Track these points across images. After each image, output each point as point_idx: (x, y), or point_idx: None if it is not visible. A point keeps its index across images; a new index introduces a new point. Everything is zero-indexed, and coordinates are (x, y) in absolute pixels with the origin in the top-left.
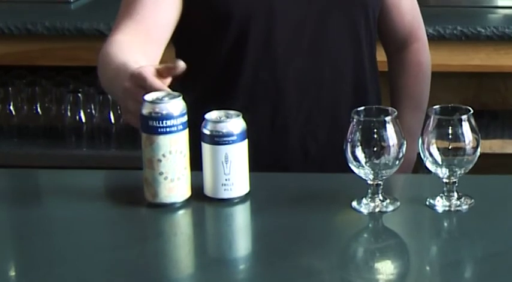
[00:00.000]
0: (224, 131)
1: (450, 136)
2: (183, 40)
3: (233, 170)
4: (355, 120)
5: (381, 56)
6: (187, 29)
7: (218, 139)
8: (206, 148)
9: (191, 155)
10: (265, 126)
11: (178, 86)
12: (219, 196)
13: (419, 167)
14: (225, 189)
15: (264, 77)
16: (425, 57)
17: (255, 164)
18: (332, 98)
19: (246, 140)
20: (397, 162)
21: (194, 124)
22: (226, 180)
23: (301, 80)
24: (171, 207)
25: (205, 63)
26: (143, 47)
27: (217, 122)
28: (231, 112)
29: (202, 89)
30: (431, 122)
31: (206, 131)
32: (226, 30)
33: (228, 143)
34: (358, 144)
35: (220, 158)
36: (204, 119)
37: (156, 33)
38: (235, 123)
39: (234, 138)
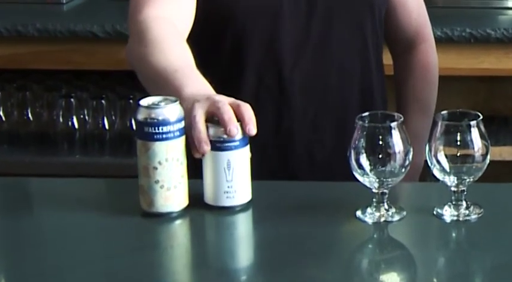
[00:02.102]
0: (226, 136)
1: (458, 143)
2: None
3: (235, 176)
4: (359, 126)
5: (386, 59)
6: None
7: (220, 145)
8: (207, 154)
9: (189, 163)
10: (270, 132)
11: None
12: (221, 204)
13: (426, 175)
14: (227, 197)
15: (268, 80)
16: (433, 58)
17: (260, 171)
18: (338, 101)
19: (248, 146)
20: (403, 170)
21: None
22: (228, 187)
23: (307, 82)
24: (167, 217)
25: (207, 66)
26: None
27: (218, 127)
28: None
29: None
30: (439, 128)
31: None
32: (228, 30)
33: (230, 149)
34: (363, 151)
35: (222, 165)
36: None
37: (181, 26)
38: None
39: (236, 143)
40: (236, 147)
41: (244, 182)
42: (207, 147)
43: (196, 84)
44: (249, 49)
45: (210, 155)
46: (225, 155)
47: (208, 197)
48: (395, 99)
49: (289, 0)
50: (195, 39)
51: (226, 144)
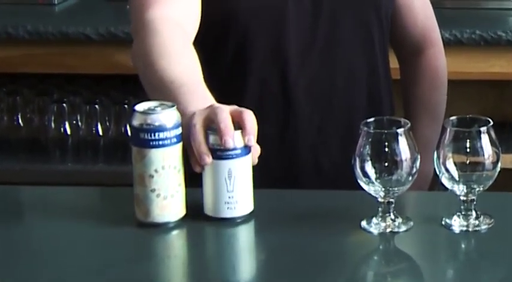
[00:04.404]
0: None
1: (468, 150)
2: None
3: (237, 186)
4: (364, 132)
5: (393, 62)
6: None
7: (221, 153)
8: None
9: (187, 170)
10: (275, 139)
11: None
12: (221, 215)
13: (435, 184)
14: (228, 208)
15: (272, 84)
16: (442, 62)
17: (264, 180)
18: (345, 106)
19: (251, 154)
20: (410, 178)
21: None
22: (229, 197)
23: (312, 85)
24: (164, 227)
25: (210, 70)
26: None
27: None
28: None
29: None
30: (448, 134)
31: (208, 146)
32: (230, 32)
33: (232, 158)
34: (368, 158)
35: (223, 174)
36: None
37: (188, 28)
38: (238, 137)
39: (238, 152)
40: (238, 156)
41: (246, 192)
42: (208, 158)
43: (201, 101)
44: (252, 52)
45: (211, 163)
46: (226, 164)
47: (208, 208)
48: (402, 105)
49: (293, 0)
50: (197, 43)
51: (228, 153)
